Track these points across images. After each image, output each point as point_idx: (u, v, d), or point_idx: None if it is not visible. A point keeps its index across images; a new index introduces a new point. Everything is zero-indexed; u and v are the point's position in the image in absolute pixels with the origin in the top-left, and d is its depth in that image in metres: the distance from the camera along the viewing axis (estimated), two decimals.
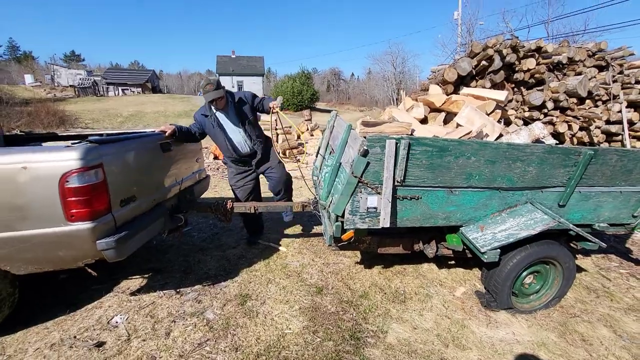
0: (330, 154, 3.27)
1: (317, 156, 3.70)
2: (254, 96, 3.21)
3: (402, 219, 2.44)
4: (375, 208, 2.35)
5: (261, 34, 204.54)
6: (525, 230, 2.33)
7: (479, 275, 3.06)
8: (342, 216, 2.38)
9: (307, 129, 11.39)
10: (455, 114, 2.95)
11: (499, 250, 2.32)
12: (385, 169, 2.24)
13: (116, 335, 2.17)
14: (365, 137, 2.24)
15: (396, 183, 2.29)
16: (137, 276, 2.91)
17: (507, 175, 2.40)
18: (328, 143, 3.44)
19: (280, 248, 3.48)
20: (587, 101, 5.77)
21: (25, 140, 3.41)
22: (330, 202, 2.62)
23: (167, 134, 2.81)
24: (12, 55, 55.14)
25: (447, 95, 3.81)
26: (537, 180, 2.46)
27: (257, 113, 3.26)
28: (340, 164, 2.65)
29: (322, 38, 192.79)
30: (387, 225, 2.34)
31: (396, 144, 2.19)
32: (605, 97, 5.97)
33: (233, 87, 36.66)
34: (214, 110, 3.04)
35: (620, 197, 2.63)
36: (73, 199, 1.91)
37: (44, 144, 3.16)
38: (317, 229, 3.98)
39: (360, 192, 2.31)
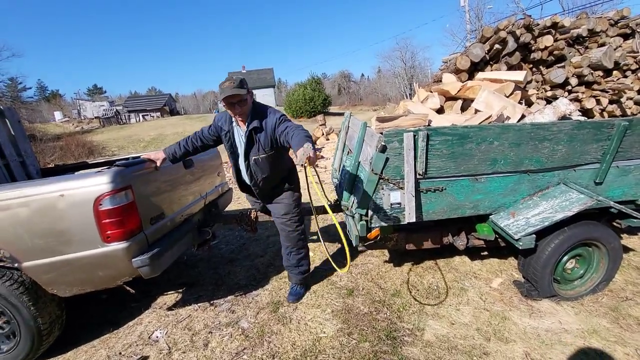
0: (347, 154, 3.26)
1: (334, 158, 3.70)
2: (280, 122, 2.25)
3: (428, 212, 2.38)
4: (399, 203, 2.31)
5: (269, 46, 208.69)
6: (561, 213, 2.22)
7: (516, 264, 2.93)
8: (366, 215, 2.36)
9: (323, 134, 11.43)
10: (472, 100, 2.87)
11: (534, 235, 2.22)
12: (406, 163, 2.20)
13: (158, 350, 2.24)
14: (381, 133, 2.22)
15: (418, 176, 2.25)
16: (172, 291, 2.99)
17: (534, 156, 2.30)
18: (345, 144, 3.44)
19: None
20: (615, 72, 5.44)
21: (59, 172, 3.62)
22: (353, 202, 2.60)
23: (157, 164, 2.41)
24: (41, 95, 59.03)
25: (462, 82, 3.71)
26: (568, 159, 2.34)
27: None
28: (359, 162, 2.63)
29: (328, 42, 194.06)
30: (413, 220, 2.29)
31: (414, 136, 2.16)
32: (634, 66, 5.61)
33: None
34: (233, 125, 2.40)
35: None
36: (107, 220, 2.00)
37: (76, 173, 3.34)
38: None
39: (382, 188, 2.28)
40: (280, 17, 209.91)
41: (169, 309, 2.71)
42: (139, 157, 2.58)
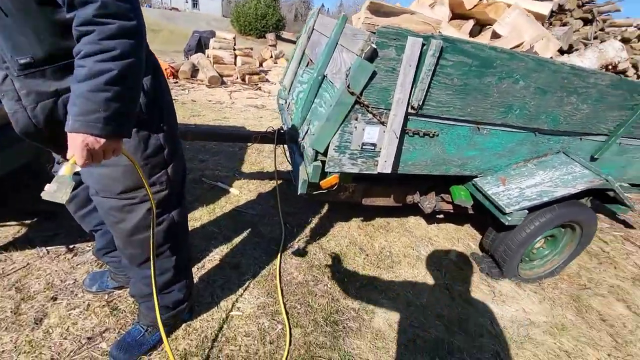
0: (307, 66, 2.37)
1: (285, 74, 2.76)
2: None
3: (407, 162, 1.74)
4: (374, 144, 1.61)
5: None
6: (563, 188, 1.79)
7: (472, 233, 2.61)
8: (324, 154, 1.61)
9: (271, 56, 9.90)
10: (488, 24, 2.16)
11: (526, 211, 1.77)
12: (399, 86, 1.45)
13: None
14: (373, 32, 1.39)
15: (411, 110, 1.54)
16: (13, 222, 1.96)
17: (554, 112, 1.75)
18: (304, 53, 2.51)
19: (231, 190, 2.67)
20: (566, 55, 5.35)
21: None
22: (307, 132, 1.81)
23: None
24: None
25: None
26: (585, 124, 1.86)
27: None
28: (325, 76, 1.80)
29: None
30: (389, 170, 1.63)
31: (422, 45, 1.38)
32: None
33: (187, 2, 31.92)
34: None
35: None
36: None
37: None
38: (282, 167, 3.17)
39: (356, 118, 1.52)
40: None
41: None
42: None
